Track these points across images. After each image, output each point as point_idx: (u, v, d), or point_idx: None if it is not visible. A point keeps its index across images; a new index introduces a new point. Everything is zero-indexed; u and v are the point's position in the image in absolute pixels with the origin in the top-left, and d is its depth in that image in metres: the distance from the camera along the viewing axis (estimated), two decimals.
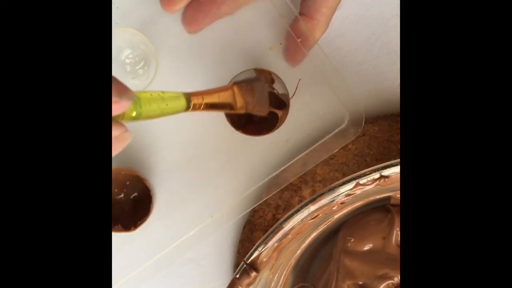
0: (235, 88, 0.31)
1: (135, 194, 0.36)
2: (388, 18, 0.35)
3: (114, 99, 0.20)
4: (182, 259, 0.37)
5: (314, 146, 0.34)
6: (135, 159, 0.35)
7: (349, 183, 0.30)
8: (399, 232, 0.33)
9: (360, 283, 0.33)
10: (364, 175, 0.30)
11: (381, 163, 0.30)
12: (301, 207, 0.31)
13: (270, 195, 0.34)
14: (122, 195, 0.35)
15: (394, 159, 0.30)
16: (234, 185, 0.35)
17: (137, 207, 0.35)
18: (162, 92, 0.25)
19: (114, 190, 0.35)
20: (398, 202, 0.34)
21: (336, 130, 0.33)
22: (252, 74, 0.33)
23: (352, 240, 0.33)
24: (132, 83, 0.32)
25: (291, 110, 0.33)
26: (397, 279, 0.33)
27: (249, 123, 0.34)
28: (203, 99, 0.28)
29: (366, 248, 0.33)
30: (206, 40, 0.34)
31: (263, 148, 0.35)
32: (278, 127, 0.33)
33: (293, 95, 0.33)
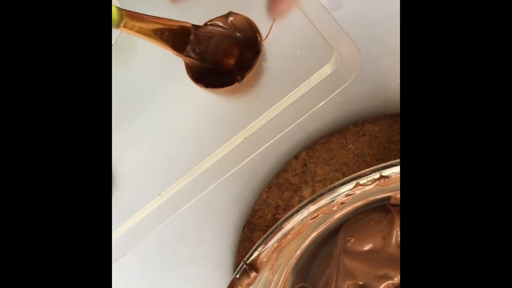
0: (189, 29, 0.27)
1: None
2: (388, 18, 0.35)
3: None
4: (181, 259, 0.37)
5: (290, 94, 0.27)
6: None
7: (349, 183, 0.30)
8: (399, 232, 0.33)
9: (360, 283, 0.33)
10: (364, 175, 0.30)
11: (381, 163, 0.30)
12: (301, 207, 0.31)
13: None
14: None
15: (394, 159, 0.30)
16: (193, 155, 0.29)
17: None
18: None
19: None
20: (398, 202, 0.34)
21: (317, 73, 0.27)
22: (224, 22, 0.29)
23: (352, 240, 0.33)
24: None
25: (266, 57, 0.28)
26: (397, 279, 0.33)
27: (213, 75, 0.30)
28: (138, 23, 0.25)
29: (366, 248, 0.33)
30: None
31: (229, 105, 0.29)
32: (245, 76, 0.28)
33: (266, 37, 0.28)
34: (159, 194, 0.30)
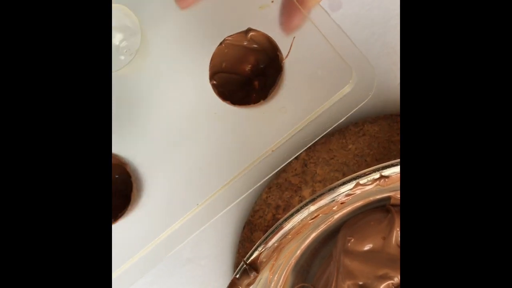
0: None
1: (115, 177, 0.31)
2: (388, 18, 0.35)
3: None
4: (181, 259, 0.37)
5: (315, 112, 0.29)
6: (123, 146, 0.32)
7: (349, 183, 0.30)
8: (399, 232, 0.33)
9: (360, 283, 0.33)
10: (364, 175, 0.30)
11: (381, 163, 0.30)
12: (301, 207, 0.31)
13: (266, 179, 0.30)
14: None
15: (394, 159, 0.30)
16: (223, 168, 0.31)
17: (117, 196, 0.31)
18: None
19: None
20: (398, 202, 0.34)
21: (339, 92, 0.29)
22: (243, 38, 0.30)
23: (352, 240, 0.33)
24: (120, 59, 0.31)
25: (287, 74, 0.30)
26: (397, 279, 0.33)
27: (239, 93, 0.31)
28: None
29: (366, 248, 0.33)
30: (192, 8, 0.31)
31: (256, 120, 0.31)
32: (270, 94, 0.30)
33: (287, 55, 0.30)
34: (197, 204, 0.31)
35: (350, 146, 0.35)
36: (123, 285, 0.31)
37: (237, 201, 0.31)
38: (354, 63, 0.29)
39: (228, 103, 0.30)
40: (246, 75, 0.31)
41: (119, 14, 0.32)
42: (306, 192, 0.36)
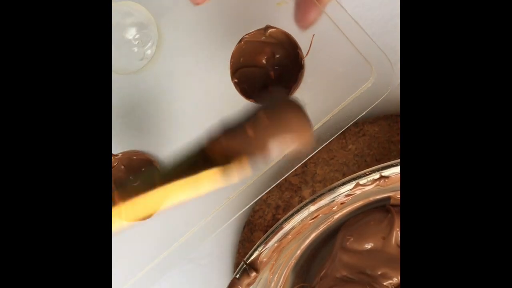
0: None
1: (141, 169, 0.32)
2: (388, 19, 0.35)
3: None
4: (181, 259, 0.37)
5: (338, 108, 0.29)
6: (147, 143, 0.32)
7: (349, 184, 0.30)
8: (399, 233, 0.33)
9: (354, 278, 0.33)
10: (364, 175, 0.30)
11: (381, 164, 0.30)
12: (301, 208, 0.31)
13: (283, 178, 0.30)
14: (138, 182, 0.31)
15: (394, 160, 0.30)
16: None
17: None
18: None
19: (129, 177, 0.31)
20: (398, 202, 0.34)
21: (361, 88, 0.29)
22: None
23: (351, 239, 0.33)
24: (138, 64, 0.31)
25: (307, 71, 0.30)
26: (396, 279, 0.33)
27: (258, 85, 0.31)
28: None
29: (366, 247, 0.33)
30: (209, 7, 0.30)
31: None
32: (292, 92, 0.30)
33: (307, 53, 0.30)
34: (228, 197, 0.32)
35: (350, 146, 0.35)
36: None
37: (257, 199, 0.31)
38: (373, 59, 0.29)
39: (251, 101, 0.30)
40: (263, 66, 0.31)
41: (129, 10, 0.32)
42: (306, 192, 0.36)
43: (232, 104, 0.30)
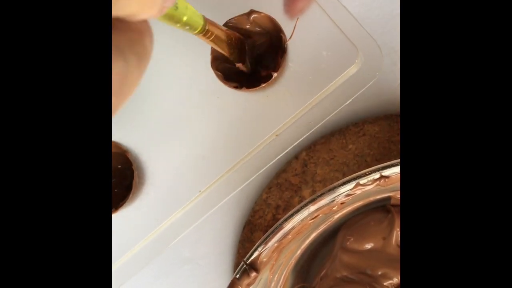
0: (242, 41, 0.28)
1: (117, 167, 0.31)
2: (388, 19, 0.35)
3: None
4: (181, 259, 0.37)
5: (320, 95, 0.28)
6: (114, 130, 0.31)
7: (349, 183, 0.30)
8: (399, 233, 0.33)
9: (354, 278, 0.33)
10: (365, 175, 0.30)
11: (382, 163, 0.30)
12: (301, 207, 0.31)
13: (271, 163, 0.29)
14: None
15: (395, 159, 0.30)
16: (226, 155, 0.30)
17: (118, 185, 0.30)
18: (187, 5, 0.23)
19: None
20: (399, 202, 0.34)
21: (345, 72, 0.28)
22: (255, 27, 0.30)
23: (352, 239, 0.33)
24: None
25: (291, 56, 0.29)
26: (396, 279, 0.33)
27: (240, 76, 0.30)
28: (216, 30, 0.25)
29: (366, 247, 0.33)
30: None
31: (258, 105, 0.30)
32: (274, 77, 0.29)
33: (291, 36, 0.29)
34: (199, 191, 0.30)
35: (350, 146, 0.35)
36: (125, 276, 0.30)
37: (241, 187, 0.30)
38: (360, 43, 0.28)
39: (230, 87, 0.29)
40: (262, 69, 0.30)
41: None
42: (306, 192, 0.36)
43: (211, 91, 0.30)
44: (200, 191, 0.30)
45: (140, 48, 0.20)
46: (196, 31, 0.24)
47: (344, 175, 0.35)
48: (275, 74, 0.29)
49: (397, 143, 0.35)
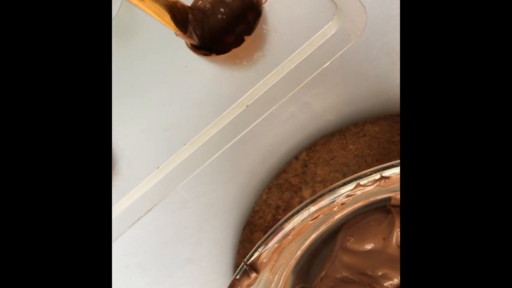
0: (183, 10, 0.26)
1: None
2: (388, 18, 0.35)
3: None
4: (181, 260, 0.37)
5: (293, 56, 0.25)
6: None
7: (350, 184, 0.30)
8: (399, 233, 0.33)
9: (355, 278, 0.33)
10: (365, 175, 0.30)
11: (382, 164, 0.30)
12: (302, 208, 0.31)
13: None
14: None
15: (395, 160, 0.30)
16: (196, 126, 0.28)
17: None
18: None
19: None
20: (399, 203, 0.34)
21: (320, 32, 0.25)
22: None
23: (352, 240, 0.33)
24: None
25: (266, 19, 0.27)
26: (396, 280, 0.32)
27: (215, 42, 0.28)
28: None
29: (366, 248, 0.33)
30: None
31: (231, 71, 0.28)
32: (248, 40, 0.27)
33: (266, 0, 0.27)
34: (158, 168, 0.29)
35: (350, 147, 0.35)
36: (125, 223, 0.30)
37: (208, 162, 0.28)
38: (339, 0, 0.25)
39: (199, 54, 0.27)
40: (227, 42, 0.28)
41: None
42: (306, 192, 0.36)
43: (179, 59, 0.28)
44: (158, 167, 0.29)
45: None
46: None
47: (345, 176, 0.35)
48: (247, 38, 0.26)
49: (398, 143, 0.35)
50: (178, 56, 0.28)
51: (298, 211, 0.31)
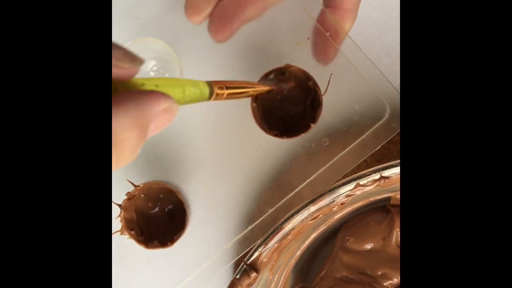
0: (260, 86, 0.30)
1: (170, 207, 0.35)
2: (388, 19, 0.35)
3: (127, 64, 0.19)
4: (182, 259, 0.37)
5: (354, 144, 0.32)
6: (164, 172, 0.34)
7: (350, 184, 0.30)
8: (399, 233, 0.33)
9: (354, 278, 0.33)
10: (365, 175, 0.30)
11: (382, 164, 0.30)
12: (301, 208, 0.31)
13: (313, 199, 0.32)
14: (157, 209, 0.35)
15: (395, 160, 0.30)
16: (268, 195, 0.34)
17: (172, 222, 0.35)
18: (179, 79, 0.24)
19: (148, 204, 0.35)
20: (399, 202, 0.34)
21: (377, 125, 0.32)
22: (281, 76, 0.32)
23: (351, 240, 0.33)
24: None
25: (325, 108, 0.31)
26: (396, 279, 0.33)
27: (280, 126, 0.33)
28: (226, 88, 0.26)
29: (366, 248, 0.33)
30: (230, 45, 0.31)
31: (298, 151, 0.34)
32: (311, 127, 0.32)
33: (325, 91, 0.31)
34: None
35: None
36: None
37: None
38: (387, 97, 0.31)
39: (272, 135, 0.32)
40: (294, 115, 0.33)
41: (159, 48, 0.33)
42: (306, 192, 0.36)
43: (253, 138, 0.33)
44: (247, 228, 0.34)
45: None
46: (205, 99, 0.25)
47: (344, 176, 0.35)
48: (313, 125, 0.31)
49: (397, 143, 0.35)
50: (252, 135, 0.34)
51: (298, 211, 0.31)
